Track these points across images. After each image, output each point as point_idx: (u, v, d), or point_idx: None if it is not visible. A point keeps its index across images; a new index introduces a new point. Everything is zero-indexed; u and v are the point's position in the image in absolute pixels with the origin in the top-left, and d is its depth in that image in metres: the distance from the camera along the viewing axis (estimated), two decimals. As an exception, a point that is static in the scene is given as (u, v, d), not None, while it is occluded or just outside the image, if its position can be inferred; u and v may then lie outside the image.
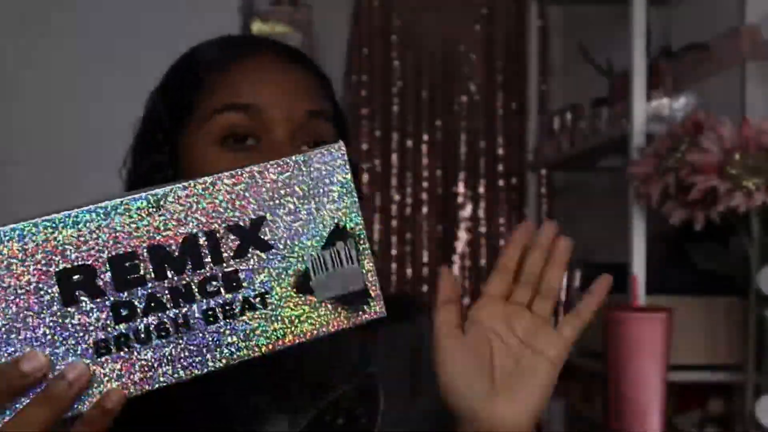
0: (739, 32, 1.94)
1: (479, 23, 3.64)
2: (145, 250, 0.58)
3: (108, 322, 0.57)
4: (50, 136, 2.75)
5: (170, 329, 0.58)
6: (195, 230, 0.59)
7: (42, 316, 0.56)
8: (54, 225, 0.57)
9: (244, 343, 0.60)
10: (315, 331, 0.61)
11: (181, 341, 0.59)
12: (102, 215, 0.58)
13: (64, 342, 0.57)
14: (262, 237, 0.60)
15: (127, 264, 0.57)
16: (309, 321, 0.61)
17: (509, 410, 0.70)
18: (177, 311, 0.58)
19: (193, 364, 0.59)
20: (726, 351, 1.81)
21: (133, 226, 0.58)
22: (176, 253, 0.58)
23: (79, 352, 0.57)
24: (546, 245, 0.74)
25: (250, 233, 0.60)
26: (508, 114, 3.62)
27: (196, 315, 0.59)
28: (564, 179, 3.56)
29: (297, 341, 0.61)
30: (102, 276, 0.57)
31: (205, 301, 0.59)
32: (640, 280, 1.82)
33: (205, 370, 0.59)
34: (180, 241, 0.58)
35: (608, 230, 2.48)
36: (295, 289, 0.61)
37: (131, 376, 0.58)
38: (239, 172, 0.60)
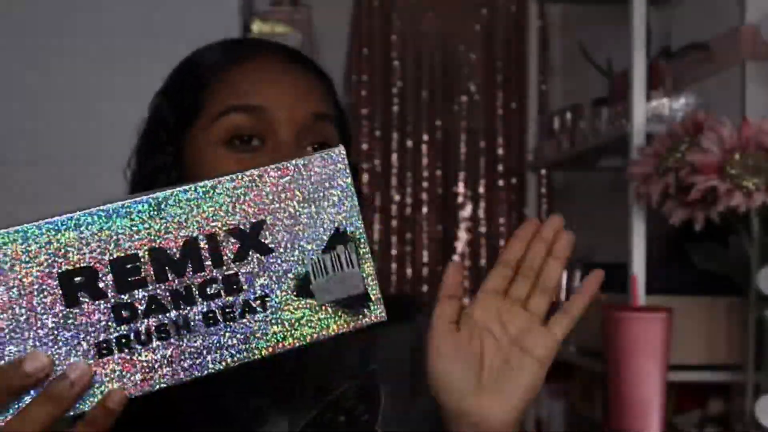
0: (739, 32, 1.94)
1: (479, 23, 3.64)
2: (146, 253, 0.58)
3: (109, 323, 0.58)
4: (51, 136, 2.75)
5: (171, 331, 0.59)
6: (196, 233, 0.59)
7: (45, 316, 0.57)
8: (57, 227, 0.57)
9: (244, 346, 0.60)
10: (315, 335, 0.61)
11: (181, 343, 0.59)
12: (104, 218, 0.58)
13: (67, 342, 0.57)
14: (262, 240, 0.60)
15: (128, 266, 0.58)
16: (309, 324, 0.61)
17: (494, 408, 0.71)
18: (177, 313, 0.59)
19: (194, 366, 0.59)
20: (726, 351, 1.81)
21: (135, 228, 0.58)
22: (177, 256, 0.59)
23: (81, 353, 0.57)
24: (549, 239, 0.74)
25: (250, 236, 0.60)
26: (508, 114, 3.62)
27: (197, 317, 0.59)
28: (564, 179, 3.56)
29: (297, 344, 0.61)
30: (104, 278, 0.58)
31: (205, 303, 0.59)
32: (640, 280, 1.82)
33: (205, 372, 0.60)
34: (181, 243, 0.59)
35: (608, 230, 2.48)
36: (295, 293, 0.61)
37: (132, 377, 0.58)
38: (240, 176, 0.60)
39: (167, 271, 0.59)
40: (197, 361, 0.59)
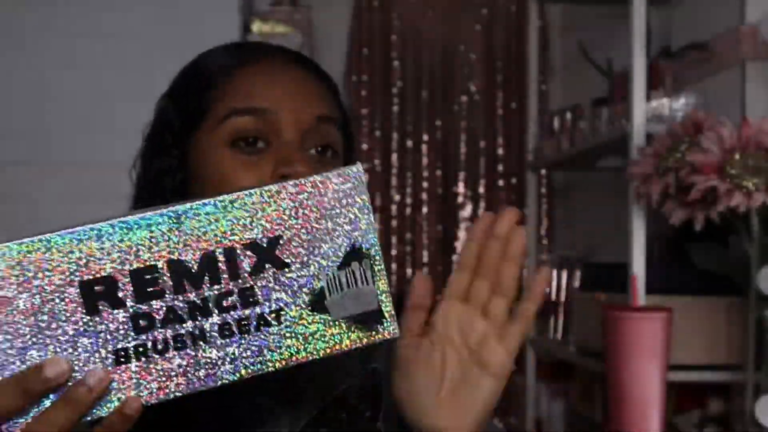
0: (739, 32, 1.94)
1: (479, 23, 3.64)
2: (165, 264, 0.60)
3: (128, 332, 0.59)
4: (51, 136, 2.75)
5: (187, 341, 0.60)
6: (213, 246, 0.60)
7: (65, 323, 0.58)
8: (79, 237, 0.59)
9: (258, 358, 0.61)
10: (328, 349, 0.62)
11: (196, 353, 0.60)
12: (125, 229, 0.59)
13: (86, 349, 0.59)
14: (279, 255, 0.61)
15: (147, 277, 0.59)
16: (323, 339, 0.62)
17: (451, 422, 0.71)
18: (194, 324, 0.60)
19: (208, 376, 0.60)
20: (726, 351, 1.81)
21: (154, 240, 0.59)
22: (195, 268, 0.60)
23: (99, 360, 0.59)
24: (503, 235, 0.71)
25: (267, 251, 0.61)
26: (508, 114, 3.62)
27: (212, 329, 0.60)
28: (564, 179, 3.56)
29: (310, 358, 0.62)
30: (123, 287, 0.59)
31: (221, 315, 0.60)
32: (640, 280, 1.82)
33: (219, 382, 0.61)
34: (199, 256, 0.60)
35: (608, 230, 2.48)
36: (309, 307, 0.62)
37: (148, 385, 0.59)
38: (258, 191, 0.61)
39: (185, 282, 0.60)
40: (212, 372, 0.60)
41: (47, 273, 0.58)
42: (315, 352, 0.62)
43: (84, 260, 0.58)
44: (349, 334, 0.63)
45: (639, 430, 1.64)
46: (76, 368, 0.59)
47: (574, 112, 2.52)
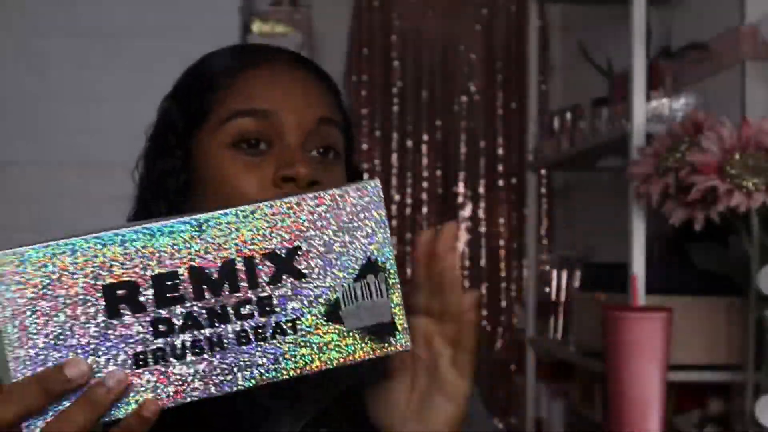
0: (739, 32, 1.94)
1: (479, 23, 3.64)
2: (186, 271, 0.61)
3: (147, 336, 0.61)
4: (51, 136, 2.75)
5: (204, 347, 0.62)
6: (234, 255, 0.62)
7: (87, 326, 0.60)
8: (103, 242, 0.60)
9: (273, 366, 0.62)
10: (342, 359, 0.64)
11: (214, 359, 0.62)
12: (148, 235, 0.61)
13: (106, 351, 0.60)
14: (296, 266, 0.63)
15: (168, 283, 0.61)
16: (336, 349, 0.63)
17: None
18: (212, 330, 0.62)
19: (224, 382, 0.62)
20: (726, 351, 1.81)
21: (176, 247, 0.61)
22: (215, 276, 0.61)
23: (119, 362, 0.60)
24: (444, 255, 0.68)
25: (285, 261, 0.62)
26: (508, 114, 3.63)
27: (230, 335, 0.62)
28: (564, 179, 3.57)
29: (324, 368, 0.63)
30: (145, 292, 0.61)
31: (239, 322, 0.62)
32: (640, 280, 1.82)
33: (235, 388, 0.62)
34: (219, 264, 0.62)
35: (608, 230, 2.48)
36: (325, 318, 0.63)
37: (165, 389, 0.61)
38: (278, 203, 0.63)
39: (205, 289, 0.61)
40: (228, 378, 0.62)
41: (71, 276, 0.60)
42: (329, 362, 0.63)
43: (108, 264, 0.60)
44: (363, 345, 0.64)
45: (639, 430, 1.64)
46: (96, 370, 0.60)
47: (574, 112, 2.52)
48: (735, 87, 1.95)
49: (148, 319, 0.61)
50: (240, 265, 0.62)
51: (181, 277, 0.61)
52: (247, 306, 0.62)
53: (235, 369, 0.62)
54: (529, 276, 3.01)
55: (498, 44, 3.63)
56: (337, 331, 0.63)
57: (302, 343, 0.63)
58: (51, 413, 0.59)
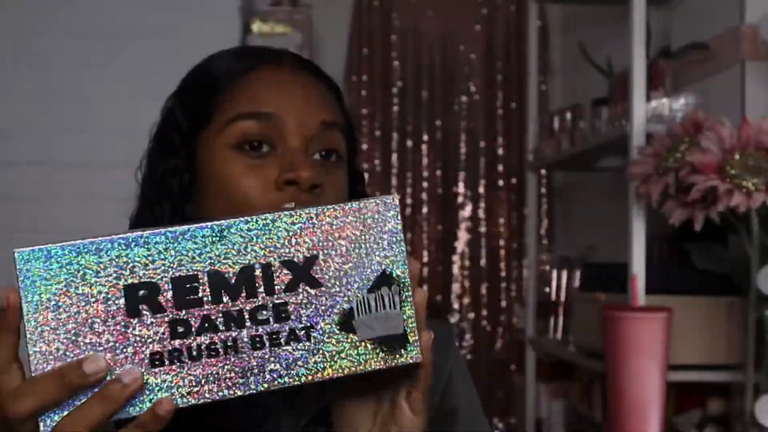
0: (739, 32, 1.94)
1: (479, 23, 3.64)
2: (205, 275, 0.63)
3: (165, 336, 0.62)
4: (51, 136, 2.75)
5: (219, 350, 0.63)
6: (252, 261, 0.63)
7: (107, 324, 0.62)
8: (127, 243, 0.62)
9: (285, 371, 0.64)
10: (353, 368, 0.65)
11: (228, 362, 0.63)
12: (171, 239, 0.63)
13: (124, 350, 0.62)
14: (313, 274, 0.64)
15: (187, 285, 0.63)
16: (348, 358, 0.65)
17: None
18: (228, 334, 0.63)
19: (237, 385, 0.63)
20: (726, 351, 1.81)
21: (197, 252, 0.63)
22: (233, 281, 0.63)
23: (135, 361, 0.62)
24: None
25: (302, 270, 0.64)
26: (508, 114, 3.63)
27: (245, 340, 0.63)
28: (564, 179, 3.57)
29: (335, 376, 0.65)
30: (164, 294, 0.62)
31: (254, 327, 0.63)
32: (640, 280, 1.82)
33: (248, 391, 0.63)
34: (237, 270, 0.63)
35: (608, 230, 2.48)
36: (338, 327, 0.65)
37: (180, 389, 0.62)
38: (298, 213, 0.64)
39: (222, 293, 0.63)
40: (241, 381, 0.63)
41: (94, 275, 0.61)
42: (340, 370, 0.64)
43: (130, 265, 0.62)
44: (374, 355, 0.65)
45: (639, 430, 1.64)
46: (113, 367, 0.62)
47: (574, 112, 2.52)
48: (735, 87, 1.95)
49: (166, 319, 0.62)
50: (258, 272, 0.63)
51: (201, 281, 0.63)
52: (263, 312, 0.63)
53: (248, 373, 0.63)
54: (529, 276, 3.01)
55: (498, 44, 3.63)
56: (349, 341, 0.65)
57: (315, 351, 0.64)
58: (68, 407, 0.61)
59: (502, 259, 3.62)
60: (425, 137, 3.63)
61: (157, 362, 0.62)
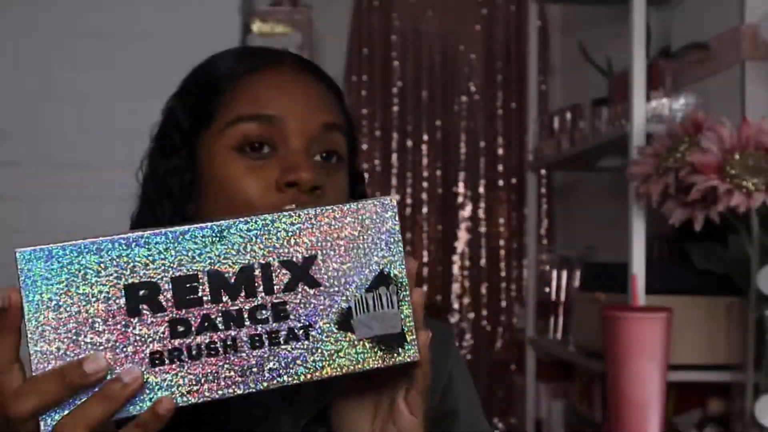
0: (739, 32, 1.94)
1: (479, 23, 3.64)
2: (205, 275, 0.63)
3: (165, 335, 0.63)
4: (51, 136, 2.75)
5: (219, 349, 0.63)
6: (251, 261, 0.64)
7: (108, 323, 0.62)
8: (128, 243, 0.63)
9: (284, 370, 0.64)
10: (351, 367, 0.65)
11: (227, 361, 0.63)
12: (171, 239, 0.63)
13: (124, 349, 0.62)
14: (311, 274, 0.65)
15: (187, 285, 0.63)
16: (346, 357, 0.65)
17: None
18: (227, 333, 0.64)
19: (236, 384, 0.64)
20: (726, 351, 1.81)
21: (197, 252, 0.63)
22: (232, 280, 0.64)
23: (136, 360, 0.62)
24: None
25: (301, 269, 0.65)
26: (508, 114, 3.63)
27: (244, 339, 0.64)
28: (564, 179, 3.57)
29: (333, 374, 0.65)
30: (164, 293, 0.63)
31: (253, 327, 0.64)
32: (640, 280, 1.82)
33: (247, 390, 0.64)
34: (237, 269, 0.64)
35: (608, 230, 2.48)
36: (336, 326, 0.65)
37: (180, 388, 0.63)
38: (297, 213, 0.65)
39: (222, 293, 0.63)
40: (240, 379, 0.64)
41: (95, 274, 0.62)
42: (338, 369, 0.65)
43: (131, 265, 0.62)
44: (372, 354, 0.66)
45: (639, 430, 1.64)
46: (114, 366, 0.62)
47: (574, 112, 2.52)
48: (735, 87, 1.95)
49: (166, 319, 0.62)
50: (257, 271, 0.64)
51: (200, 280, 0.63)
52: (262, 311, 0.64)
53: (248, 372, 0.63)
54: (529, 276, 3.01)
55: (498, 44, 3.63)
56: (347, 340, 0.65)
57: (313, 350, 0.64)
58: (69, 406, 0.61)
59: (502, 259, 3.62)
60: (425, 137, 3.63)
61: (157, 361, 0.62)
